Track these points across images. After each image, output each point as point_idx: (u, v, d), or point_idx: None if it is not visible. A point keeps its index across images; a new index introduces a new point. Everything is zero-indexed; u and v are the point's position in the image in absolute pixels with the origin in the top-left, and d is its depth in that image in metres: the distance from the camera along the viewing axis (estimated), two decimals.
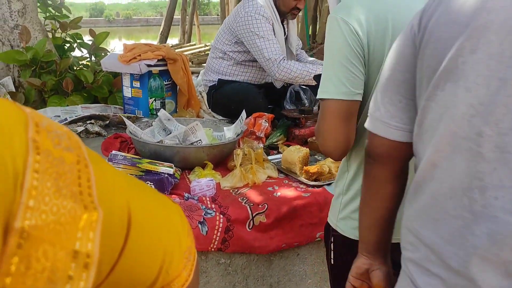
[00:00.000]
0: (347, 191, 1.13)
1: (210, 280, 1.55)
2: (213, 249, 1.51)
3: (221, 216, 1.51)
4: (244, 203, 1.59)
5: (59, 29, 3.15)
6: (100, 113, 2.49)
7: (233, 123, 2.10)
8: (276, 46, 2.39)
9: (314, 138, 2.16)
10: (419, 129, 0.72)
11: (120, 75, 2.65)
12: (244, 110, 2.05)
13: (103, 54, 3.16)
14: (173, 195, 1.62)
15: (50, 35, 3.13)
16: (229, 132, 2.04)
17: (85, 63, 3.25)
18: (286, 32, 2.66)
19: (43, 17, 3.19)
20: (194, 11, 9.42)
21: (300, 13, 3.72)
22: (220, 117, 2.63)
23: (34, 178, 0.29)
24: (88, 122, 2.40)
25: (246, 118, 2.09)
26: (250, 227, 1.54)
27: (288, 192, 1.68)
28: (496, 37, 0.59)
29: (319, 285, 1.72)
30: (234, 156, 1.79)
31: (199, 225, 1.47)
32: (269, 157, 1.97)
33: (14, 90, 2.73)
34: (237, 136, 1.96)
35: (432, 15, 0.70)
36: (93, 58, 3.22)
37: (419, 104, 0.72)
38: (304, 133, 2.21)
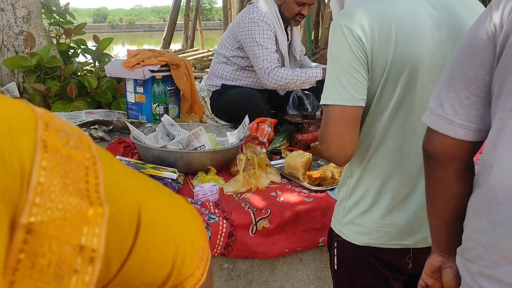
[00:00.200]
0: (351, 196, 1.13)
1: (213, 284, 1.55)
2: (216, 254, 1.51)
3: (224, 221, 1.52)
4: (247, 208, 1.59)
5: (63, 35, 3.18)
6: (104, 119, 2.50)
7: (236, 128, 2.11)
8: (272, 55, 2.41)
9: (317, 143, 2.16)
10: (497, 133, 0.67)
11: (123, 80, 2.67)
12: (247, 115, 2.06)
13: (107, 59, 3.18)
14: None
15: (54, 41, 3.16)
16: (232, 137, 2.05)
17: (89, 68, 3.26)
18: (290, 38, 2.67)
19: (48, 23, 3.21)
20: (196, 17, 9.47)
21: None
22: (223, 122, 2.64)
23: (40, 176, 0.30)
24: (92, 127, 2.42)
25: (249, 123, 2.10)
26: (253, 232, 1.54)
27: (291, 197, 1.69)
28: None
29: None
30: (237, 161, 1.80)
31: None
32: (272, 162, 1.98)
33: (18, 95, 2.75)
34: (240, 141, 1.97)
35: None
36: (97, 63, 3.24)
37: (497, 105, 0.68)
38: (306, 138, 2.21)
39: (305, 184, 1.77)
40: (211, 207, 1.58)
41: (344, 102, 0.98)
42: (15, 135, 0.30)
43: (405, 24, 0.98)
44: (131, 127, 1.93)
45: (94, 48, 3.22)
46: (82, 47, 3.26)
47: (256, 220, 1.55)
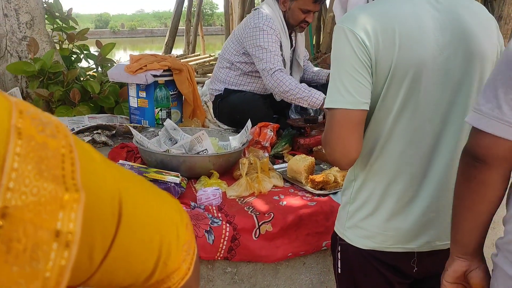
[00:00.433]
0: (355, 200, 1.13)
1: None
2: (219, 258, 1.51)
3: (228, 225, 1.52)
4: (250, 212, 1.59)
5: (66, 40, 3.20)
6: (107, 123, 2.51)
7: (239, 132, 2.12)
8: (277, 58, 2.41)
9: (319, 147, 2.16)
10: None
11: (126, 85, 2.67)
12: (249, 119, 2.06)
13: (109, 64, 3.19)
14: None
15: (57, 46, 3.17)
16: (235, 141, 2.05)
17: (91, 73, 3.28)
18: (294, 44, 2.68)
19: (51, 29, 3.23)
20: (198, 22, 9.51)
21: None
22: (226, 127, 2.64)
23: (14, 161, 0.30)
24: (95, 132, 2.42)
25: (252, 127, 2.10)
26: (256, 236, 1.54)
27: (293, 201, 1.69)
28: None
29: None
30: (240, 165, 1.80)
31: (206, 234, 1.47)
32: (275, 166, 1.98)
33: None
34: (242, 146, 1.97)
35: None
36: (99, 68, 3.26)
37: None
38: (309, 142, 2.22)
39: (308, 188, 1.77)
40: (214, 211, 1.59)
41: (348, 106, 0.99)
42: None
43: (409, 27, 0.99)
44: (134, 131, 1.93)
45: (96, 54, 3.23)
46: (84, 52, 3.27)
47: (259, 224, 1.55)
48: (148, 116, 2.57)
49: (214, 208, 1.61)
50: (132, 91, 2.61)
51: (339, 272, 1.20)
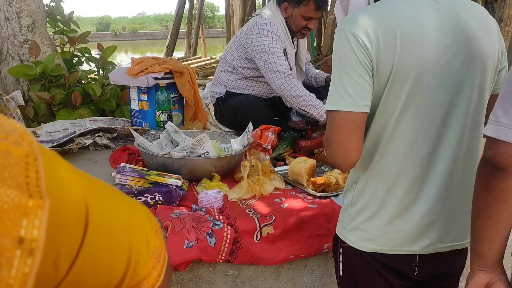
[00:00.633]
0: (356, 202, 1.13)
1: None
2: (221, 261, 1.51)
3: (229, 227, 1.52)
4: (252, 214, 1.59)
5: (67, 43, 3.20)
6: (108, 126, 2.51)
7: (240, 135, 2.12)
8: (285, 62, 2.41)
9: (320, 149, 2.17)
10: None
11: (127, 88, 2.68)
12: (250, 122, 2.07)
13: (110, 67, 3.20)
14: (181, 207, 1.63)
15: (59, 49, 3.18)
16: (236, 144, 2.05)
17: (93, 76, 3.29)
18: (296, 48, 2.68)
19: (52, 32, 3.24)
20: (199, 25, 9.51)
21: None
22: (227, 129, 2.64)
23: None
24: (96, 134, 2.43)
25: (253, 130, 2.11)
26: (257, 239, 1.54)
27: (295, 203, 1.68)
28: None
29: None
30: (241, 167, 1.80)
31: (207, 237, 1.47)
32: (276, 169, 1.98)
33: (23, 103, 2.77)
34: (244, 148, 1.97)
35: None
36: (101, 71, 3.26)
37: None
38: (310, 145, 2.22)
39: (309, 190, 1.77)
40: (216, 214, 1.59)
41: (348, 108, 0.99)
42: None
43: (410, 29, 0.99)
44: (135, 134, 1.93)
45: (98, 56, 3.24)
46: (86, 55, 3.28)
47: (261, 226, 1.55)
48: (149, 118, 2.57)
49: (215, 210, 1.61)
50: (134, 94, 2.61)
51: (341, 274, 1.20)
